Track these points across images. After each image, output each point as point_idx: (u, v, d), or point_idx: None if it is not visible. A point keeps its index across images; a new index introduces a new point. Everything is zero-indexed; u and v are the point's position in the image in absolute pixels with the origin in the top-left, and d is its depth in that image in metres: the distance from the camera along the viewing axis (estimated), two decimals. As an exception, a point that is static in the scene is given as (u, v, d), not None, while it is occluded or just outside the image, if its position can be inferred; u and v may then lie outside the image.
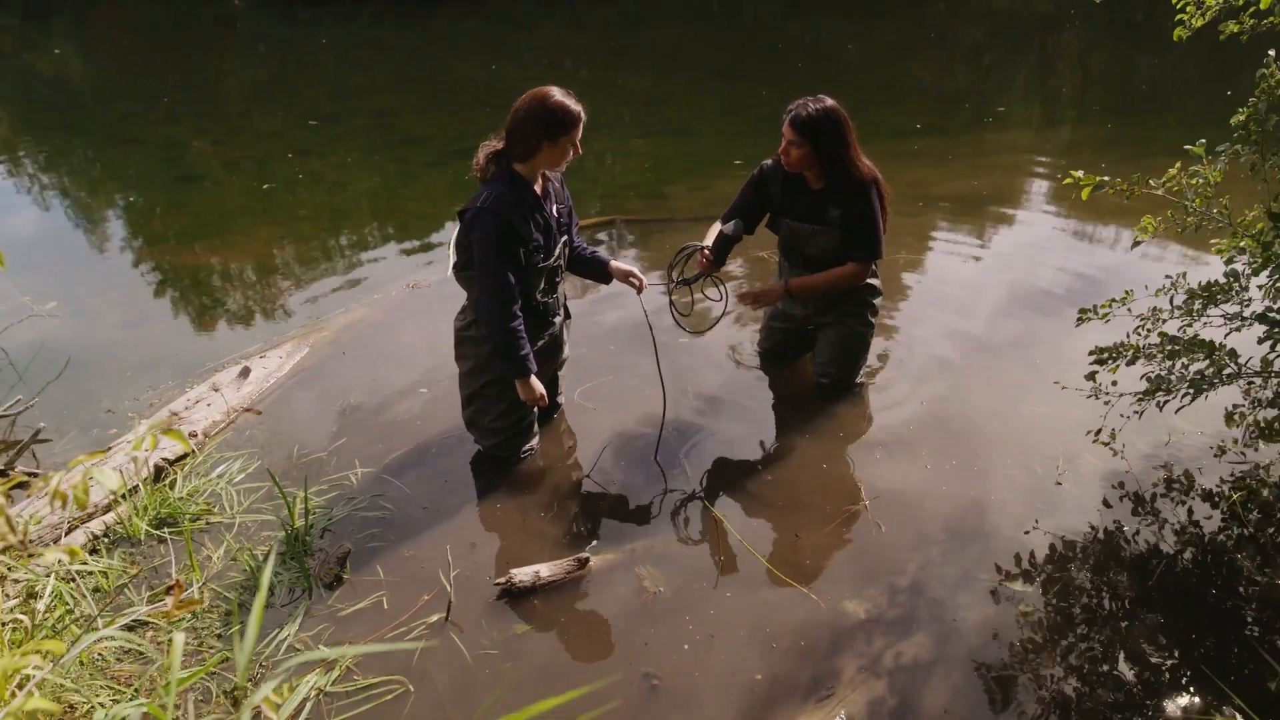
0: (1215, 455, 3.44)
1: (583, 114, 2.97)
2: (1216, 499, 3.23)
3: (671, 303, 3.54)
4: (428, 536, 3.14)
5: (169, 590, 2.78)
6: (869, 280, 3.75)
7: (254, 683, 2.50)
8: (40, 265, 5.95)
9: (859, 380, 3.99)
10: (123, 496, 3.18)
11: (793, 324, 4.03)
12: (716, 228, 3.62)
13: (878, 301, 3.85)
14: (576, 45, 15.96)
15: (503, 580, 2.83)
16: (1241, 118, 2.89)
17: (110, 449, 3.48)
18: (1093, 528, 3.11)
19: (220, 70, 14.38)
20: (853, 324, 3.83)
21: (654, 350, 3.51)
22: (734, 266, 5.36)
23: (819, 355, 3.97)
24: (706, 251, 3.43)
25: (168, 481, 3.38)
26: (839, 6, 18.90)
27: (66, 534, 3.03)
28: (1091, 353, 3.13)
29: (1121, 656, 2.58)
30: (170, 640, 2.63)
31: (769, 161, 3.65)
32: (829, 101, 3.39)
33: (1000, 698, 2.45)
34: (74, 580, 2.78)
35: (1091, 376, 3.15)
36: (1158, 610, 2.75)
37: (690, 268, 3.55)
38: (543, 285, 3.22)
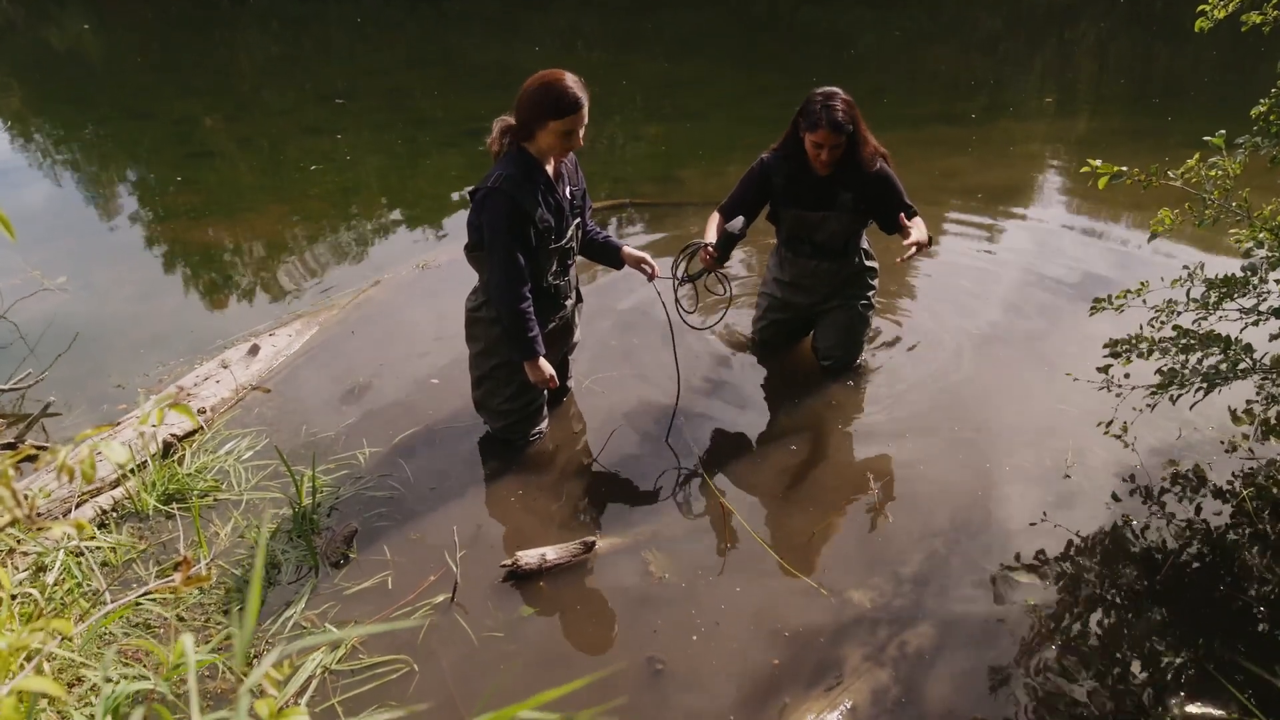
0: (1226, 451, 3.42)
1: (583, 102, 2.89)
2: (1227, 495, 3.21)
3: (678, 299, 3.53)
4: (434, 517, 3.15)
5: (176, 566, 2.78)
6: (868, 263, 3.88)
7: (258, 659, 2.51)
8: (51, 239, 5.95)
9: (860, 360, 4.05)
10: (132, 472, 3.19)
11: (796, 313, 4.03)
12: (715, 219, 3.65)
13: (876, 282, 3.95)
14: (590, 28, 15.87)
15: (509, 562, 2.83)
16: (1262, 109, 2.85)
17: (120, 423, 3.49)
18: (1101, 521, 3.10)
19: (233, 46, 14.36)
20: (857, 305, 3.89)
21: (671, 335, 3.51)
22: (743, 255, 5.33)
23: (823, 339, 3.97)
24: (711, 249, 3.43)
25: (176, 457, 3.39)
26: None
27: (75, 508, 3.05)
28: (1107, 345, 3.11)
29: (1127, 651, 2.57)
30: (176, 633, 2.65)
31: (767, 154, 3.66)
32: (839, 91, 3.41)
33: (1005, 689, 2.45)
34: (82, 555, 2.79)
35: (1105, 369, 3.13)
36: (1165, 605, 2.73)
37: (694, 265, 3.54)
38: (554, 267, 3.20)
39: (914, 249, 3.41)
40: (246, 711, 0.89)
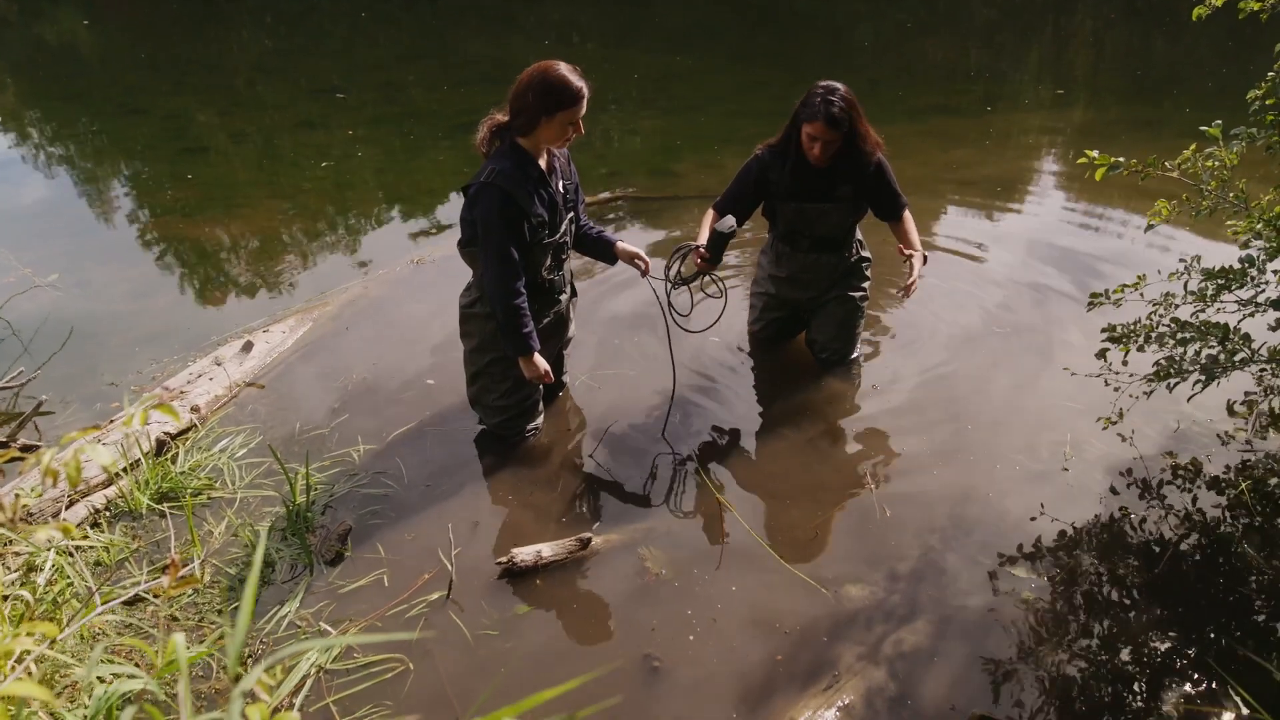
0: (1224, 444, 3.41)
1: (585, 91, 2.88)
2: (1225, 488, 3.20)
3: (671, 304, 3.47)
4: (429, 514, 3.13)
5: (164, 569, 2.77)
6: (863, 253, 3.89)
7: (253, 659, 2.50)
8: (45, 236, 5.93)
9: (856, 353, 4.04)
10: (124, 470, 3.17)
11: (794, 310, 4.03)
12: (710, 215, 3.62)
13: (870, 273, 3.94)
14: (586, 20, 15.80)
15: (504, 559, 2.82)
16: (1259, 92, 2.83)
17: (112, 422, 3.47)
18: (1099, 515, 3.09)
19: (227, 41, 14.30)
20: (853, 297, 3.87)
21: (666, 332, 3.47)
22: (737, 255, 5.31)
23: (820, 333, 3.95)
24: (702, 250, 3.40)
25: (169, 455, 3.37)
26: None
27: (67, 508, 3.03)
28: (1104, 330, 3.09)
29: (1125, 645, 2.56)
30: (169, 633, 2.63)
31: (761, 150, 3.62)
32: (841, 87, 3.36)
33: (1003, 685, 2.44)
34: (73, 555, 2.77)
35: (1103, 354, 3.11)
36: (1163, 599, 2.72)
37: (687, 267, 3.49)
38: (549, 262, 3.18)
39: (916, 276, 3.51)
40: (239, 713, 0.87)
